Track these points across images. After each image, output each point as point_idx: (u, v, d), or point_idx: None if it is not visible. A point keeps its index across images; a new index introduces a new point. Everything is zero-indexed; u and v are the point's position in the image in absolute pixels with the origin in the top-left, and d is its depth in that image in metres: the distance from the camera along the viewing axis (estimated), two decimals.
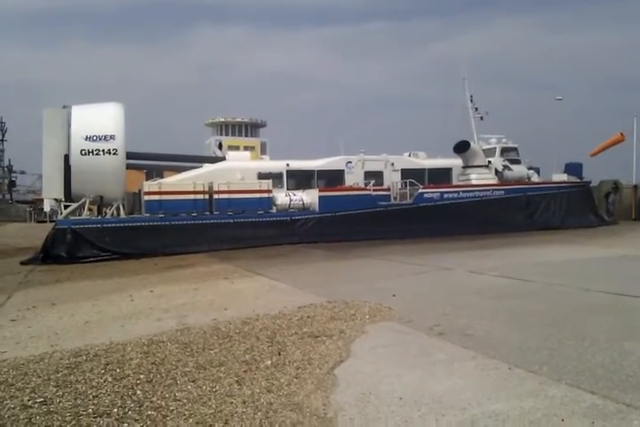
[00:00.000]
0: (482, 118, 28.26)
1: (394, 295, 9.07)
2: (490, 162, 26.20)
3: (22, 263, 17.65)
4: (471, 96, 28.32)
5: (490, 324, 6.91)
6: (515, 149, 27.83)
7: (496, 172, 26.29)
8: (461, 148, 25.54)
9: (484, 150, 26.57)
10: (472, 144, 25.91)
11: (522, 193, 25.40)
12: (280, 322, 7.41)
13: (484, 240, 19.49)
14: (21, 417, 4.43)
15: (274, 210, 21.53)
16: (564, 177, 27.88)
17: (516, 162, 27.41)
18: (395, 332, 6.77)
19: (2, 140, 70.39)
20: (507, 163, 26.96)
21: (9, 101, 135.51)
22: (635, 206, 30.85)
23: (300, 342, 6.34)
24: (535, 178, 27.58)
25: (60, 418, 4.39)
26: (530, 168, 28.22)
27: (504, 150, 27.47)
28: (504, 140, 27.90)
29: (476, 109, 28.27)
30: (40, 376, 5.48)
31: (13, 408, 4.62)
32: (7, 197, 69.83)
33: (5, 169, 71.07)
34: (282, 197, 21.97)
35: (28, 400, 4.79)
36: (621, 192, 31.06)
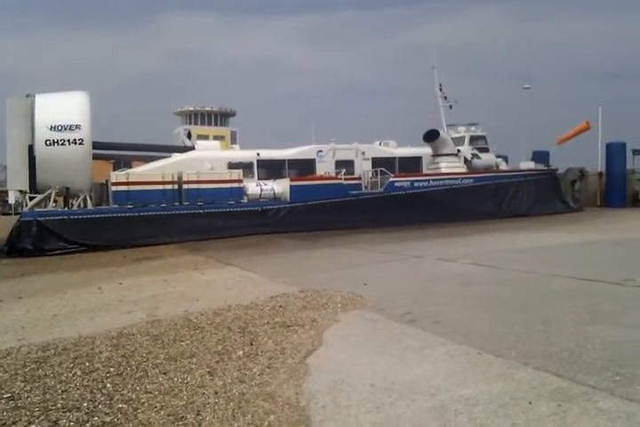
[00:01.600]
0: (451, 107, 28.49)
1: (365, 284, 9.13)
2: (459, 150, 26.47)
3: None
4: (440, 85, 28.50)
5: (460, 310, 7.01)
6: (483, 138, 28.15)
7: (465, 160, 26.57)
8: (431, 136, 25.73)
9: (453, 139, 26.83)
10: (441, 133, 26.11)
11: (490, 181, 25.75)
12: (252, 312, 7.40)
13: (454, 228, 19.73)
14: None
15: (245, 200, 21.42)
16: (532, 165, 28.34)
17: (485, 150, 27.74)
18: (366, 320, 6.82)
19: None
20: (475, 151, 27.27)
21: None
22: (600, 193, 31.57)
23: (273, 332, 6.35)
24: (503, 166, 27.98)
25: (28, 413, 4.31)
26: (498, 156, 28.62)
27: (473, 139, 27.78)
28: (472, 128, 28.21)
29: (445, 98, 28.48)
30: (7, 371, 5.38)
31: None
32: None
33: None
34: (253, 186, 21.87)
35: None
36: (587, 179, 31.72)
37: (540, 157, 31.71)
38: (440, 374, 4.71)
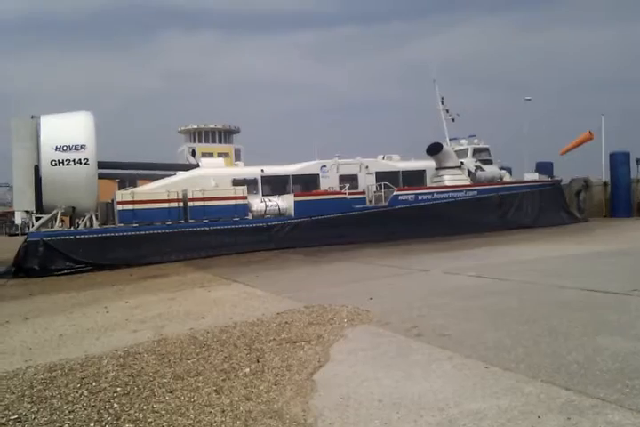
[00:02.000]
0: (453, 120, 28.64)
1: (371, 298, 9.10)
2: (462, 163, 26.51)
3: None
4: (442, 98, 28.68)
5: (466, 323, 6.97)
6: (486, 150, 28.21)
7: (469, 172, 26.61)
8: (434, 149, 25.81)
9: (456, 151, 26.90)
10: (444, 146, 26.19)
11: (494, 193, 25.74)
12: (258, 329, 7.38)
13: (459, 241, 19.70)
14: None
15: (250, 216, 21.47)
16: (536, 176, 28.34)
17: (488, 162, 27.80)
18: (373, 335, 6.79)
19: None
20: (479, 163, 27.32)
21: None
22: (605, 203, 31.49)
23: (279, 349, 6.32)
24: (507, 178, 27.98)
25: None
26: (502, 168, 28.64)
27: (476, 151, 27.85)
28: (475, 140, 28.30)
29: (447, 111, 28.62)
30: (14, 393, 5.37)
31: None
32: None
33: None
34: (257, 203, 21.95)
35: (2, 418, 4.69)
36: (592, 190, 31.67)
37: (543, 167, 31.73)
38: (448, 389, 4.67)
